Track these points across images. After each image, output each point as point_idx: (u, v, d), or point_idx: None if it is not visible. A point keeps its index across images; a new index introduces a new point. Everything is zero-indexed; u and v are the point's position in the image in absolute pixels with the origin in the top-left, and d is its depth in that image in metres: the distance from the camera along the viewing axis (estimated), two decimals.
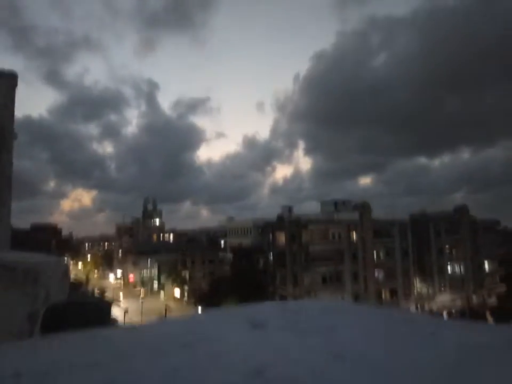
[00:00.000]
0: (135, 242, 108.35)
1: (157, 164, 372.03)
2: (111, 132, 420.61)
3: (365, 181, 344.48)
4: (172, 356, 1.11)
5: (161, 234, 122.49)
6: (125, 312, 54.66)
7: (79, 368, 1.06)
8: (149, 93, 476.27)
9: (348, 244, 58.12)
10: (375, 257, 60.20)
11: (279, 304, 2.18)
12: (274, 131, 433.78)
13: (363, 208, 61.66)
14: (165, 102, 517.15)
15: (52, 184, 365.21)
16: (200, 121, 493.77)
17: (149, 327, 1.52)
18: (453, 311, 60.75)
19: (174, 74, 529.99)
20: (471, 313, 56.17)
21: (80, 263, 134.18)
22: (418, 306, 61.05)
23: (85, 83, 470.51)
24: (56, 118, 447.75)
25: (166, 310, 55.83)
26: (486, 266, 68.59)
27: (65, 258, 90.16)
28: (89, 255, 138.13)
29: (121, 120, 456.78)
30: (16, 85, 3.80)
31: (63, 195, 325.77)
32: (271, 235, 61.39)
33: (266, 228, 64.53)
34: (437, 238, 65.34)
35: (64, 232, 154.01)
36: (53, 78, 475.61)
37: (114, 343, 1.23)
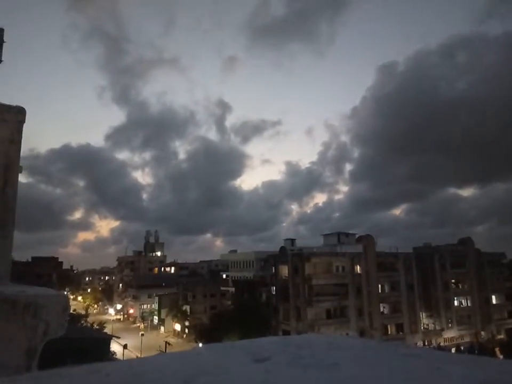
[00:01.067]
0: (136, 276, 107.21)
1: (196, 192, 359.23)
2: (159, 159, 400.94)
3: (397, 211, 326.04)
4: None
5: (163, 267, 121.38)
6: (124, 347, 53.34)
7: None
8: (220, 115, 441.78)
9: (351, 277, 57.24)
10: (379, 291, 59.12)
11: (282, 339, 2.14)
12: (321, 157, 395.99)
13: (367, 240, 61.17)
14: (231, 123, 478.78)
15: (78, 214, 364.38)
16: (259, 145, 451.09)
17: (149, 362, 1.49)
18: (461, 346, 58.97)
19: (247, 96, 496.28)
20: (480, 349, 54.49)
21: (80, 296, 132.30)
22: (426, 341, 59.34)
23: (151, 103, 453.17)
24: (112, 141, 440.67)
25: (166, 346, 54.44)
26: (493, 300, 67.16)
27: (66, 291, 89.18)
28: (89, 289, 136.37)
29: (172, 147, 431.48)
30: (23, 120, 3.90)
31: (86, 226, 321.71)
32: (273, 268, 60.68)
33: (268, 261, 63.90)
34: (442, 271, 64.39)
35: (73, 264, 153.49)
36: (122, 97, 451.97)
37: (113, 377, 1.21)
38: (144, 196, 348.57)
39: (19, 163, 3.73)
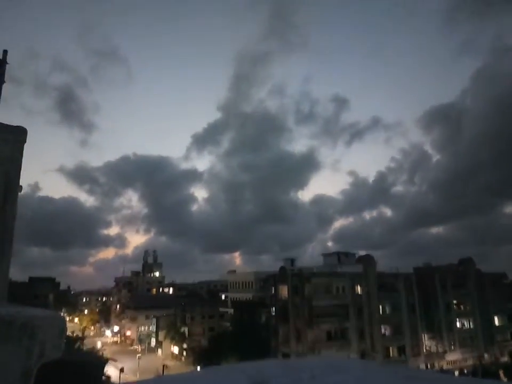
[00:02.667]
0: (134, 297, 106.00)
1: (252, 205, 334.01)
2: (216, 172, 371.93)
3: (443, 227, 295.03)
4: None
5: (161, 288, 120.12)
6: (120, 371, 52.28)
7: None
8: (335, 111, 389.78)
9: (352, 298, 56.61)
10: (381, 312, 58.36)
11: (281, 362, 2.11)
12: (395, 165, 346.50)
13: (367, 260, 60.78)
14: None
15: (116, 229, 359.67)
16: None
17: None
18: (465, 369, 57.87)
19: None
20: (483, 372, 53.45)
21: (76, 318, 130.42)
22: (428, 364, 58.23)
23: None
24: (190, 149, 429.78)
25: (163, 369, 53.37)
26: (496, 321, 66.31)
27: (62, 312, 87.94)
28: (86, 310, 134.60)
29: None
30: (25, 140, 3.94)
31: (120, 242, 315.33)
32: (273, 288, 60.08)
33: (268, 281, 63.33)
34: (443, 291, 63.78)
35: (70, 285, 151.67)
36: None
37: None
38: (197, 208, 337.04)
39: (19, 182, 3.75)
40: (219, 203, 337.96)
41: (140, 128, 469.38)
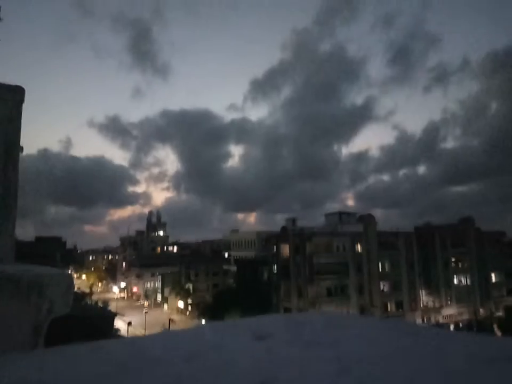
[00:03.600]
0: (139, 255, 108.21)
1: (290, 161, 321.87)
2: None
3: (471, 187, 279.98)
4: (175, 368, 1.11)
5: (165, 247, 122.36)
6: (128, 325, 54.34)
7: (83, 381, 1.06)
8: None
9: (352, 256, 57.70)
10: (380, 269, 59.64)
11: (283, 317, 2.16)
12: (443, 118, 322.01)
13: (368, 220, 61.36)
14: None
15: (141, 188, 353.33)
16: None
17: (152, 339, 1.51)
18: (460, 323, 59.90)
19: None
20: (478, 326, 55.34)
21: (84, 275, 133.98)
22: (425, 318, 60.25)
23: None
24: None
25: (169, 323, 55.44)
26: (493, 278, 67.78)
27: (69, 270, 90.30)
28: (93, 268, 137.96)
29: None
30: (23, 100, 3.86)
31: (146, 199, 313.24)
32: (275, 247, 61.12)
33: (270, 240, 64.32)
34: (442, 250, 64.77)
35: (76, 244, 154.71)
36: None
37: (118, 355, 1.23)
38: (233, 165, 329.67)
39: (19, 143, 3.71)
40: (257, 160, 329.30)
41: (196, 77, 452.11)
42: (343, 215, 66.32)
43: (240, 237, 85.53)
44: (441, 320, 60.84)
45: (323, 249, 56.55)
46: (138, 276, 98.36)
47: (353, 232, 58.70)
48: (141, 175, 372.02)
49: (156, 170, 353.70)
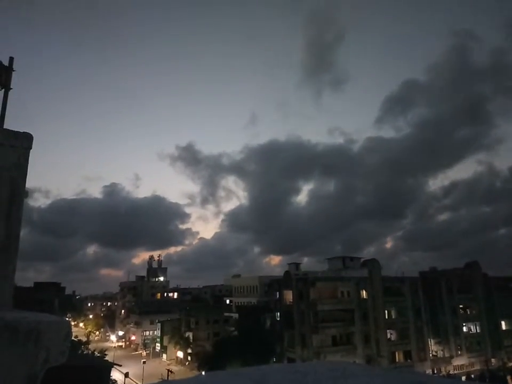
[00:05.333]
0: (139, 301, 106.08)
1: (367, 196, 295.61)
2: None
3: None
4: None
5: (165, 293, 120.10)
6: (125, 376, 52.21)
7: None
8: None
9: (357, 302, 56.28)
10: (386, 316, 57.95)
11: (287, 366, 2.11)
12: None
13: (372, 265, 60.45)
14: None
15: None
16: None
17: None
18: (472, 374, 57.26)
19: None
20: (490, 377, 52.88)
21: (82, 323, 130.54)
22: (435, 369, 57.69)
23: None
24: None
25: (168, 374, 53.23)
26: (503, 326, 65.64)
27: (68, 317, 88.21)
28: (91, 315, 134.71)
29: None
30: (30, 146, 3.97)
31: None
32: (278, 293, 59.84)
33: (273, 286, 63.13)
34: (449, 296, 63.26)
35: (75, 290, 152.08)
36: None
37: None
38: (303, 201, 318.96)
39: (25, 188, 3.77)
40: (327, 195, 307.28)
41: None
42: (346, 260, 65.42)
43: (241, 282, 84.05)
44: (452, 370, 58.29)
45: (327, 295, 55.34)
46: (137, 324, 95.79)
47: (358, 277, 57.66)
48: (196, 211, 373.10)
49: (212, 206, 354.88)
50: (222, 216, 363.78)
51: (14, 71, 5.12)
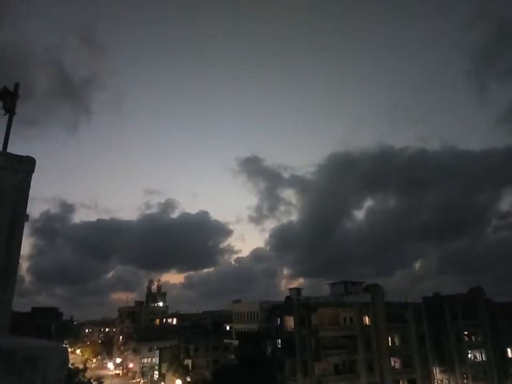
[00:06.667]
0: (137, 327, 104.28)
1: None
2: None
3: None
4: None
5: (164, 319, 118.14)
6: None
7: None
8: None
9: (360, 328, 55.19)
10: (390, 343, 56.72)
11: None
12: None
13: (375, 290, 59.63)
14: None
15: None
16: None
17: None
18: None
19: None
20: None
21: (78, 349, 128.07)
22: None
23: None
24: None
25: None
26: (509, 353, 64.13)
27: (65, 344, 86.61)
28: (88, 341, 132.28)
29: None
30: (33, 170, 4.01)
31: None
32: (279, 319, 58.85)
33: (274, 311, 62.13)
34: (453, 322, 62.14)
35: (73, 315, 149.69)
36: None
37: None
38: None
39: (25, 212, 3.79)
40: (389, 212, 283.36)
41: None
42: (348, 284, 64.67)
43: (242, 308, 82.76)
44: None
45: (329, 321, 54.36)
46: (135, 351, 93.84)
47: (360, 303, 56.80)
48: (245, 228, 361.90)
49: (265, 222, 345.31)
50: (268, 234, 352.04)
51: (19, 96, 5.22)
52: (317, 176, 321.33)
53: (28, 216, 3.92)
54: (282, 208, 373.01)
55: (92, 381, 60.71)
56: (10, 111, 4.82)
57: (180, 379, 71.86)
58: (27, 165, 3.93)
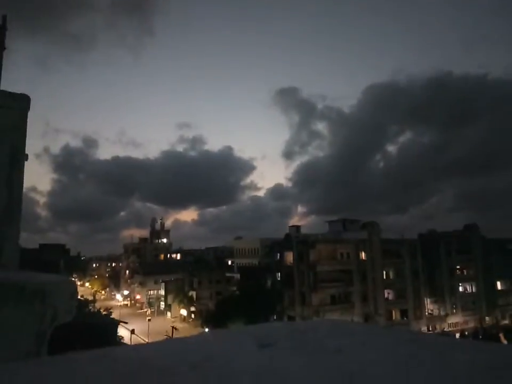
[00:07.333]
0: (143, 262, 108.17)
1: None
2: None
3: None
4: (179, 376, 1.11)
5: (168, 254, 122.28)
6: (131, 332, 54.11)
7: None
8: None
9: (356, 263, 57.40)
10: (384, 277, 59.27)
11: (287, 324, 2.16)
12: None
13: (372, 227, 61.09)
14: None
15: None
16: None
17: (156, 347, 1.51)
18: (466, 332, 59.31)
19: None
20: (484, 334, 54.77)
21: (87, 282, 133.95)
22: (430, 327, 59.70)
23: None
24: None
25: (173, 331, 55.19)
26: (499, 286, 67.17)
27: (73, 278, 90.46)
28: (96, 275, 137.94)
29: None
30: (28, 108, 3.90)
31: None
32: (278, 254, 60.89)
33: (273, 247, 64.12)
34: (447, 257, 64.35)
35: (80, 251, 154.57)
36: None
37: (121, 362, 1.23)
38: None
39: (25, 150, 3.75)
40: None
41: None
42: (346, 222, 66.05)
43: (243, 244, 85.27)
44: (446, 328, 60.31)
45: (327, 256, 56.32)
46: (142, 283, 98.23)
47: (357, 239, 58.44)
48: (271, 163, 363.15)
49: (295, 157, 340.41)
50: (293, 170, 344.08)
51: (6, 30, 4.93)
52: (355, 108, 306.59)
53: (27, 155, 3.88)
54: (313, 143, 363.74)
55: (101, 310, 64.24)
56: (0, 46, 4.58)
57: (185, 309, 76.10)
58: (22, 102, 3.82)
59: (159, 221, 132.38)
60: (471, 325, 61.98)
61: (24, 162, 3.68)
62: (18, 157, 3.59)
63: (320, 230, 72.72)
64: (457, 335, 56.18)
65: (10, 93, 3.77)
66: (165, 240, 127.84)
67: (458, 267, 66.11)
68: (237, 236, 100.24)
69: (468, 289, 66.28)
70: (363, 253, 58.64)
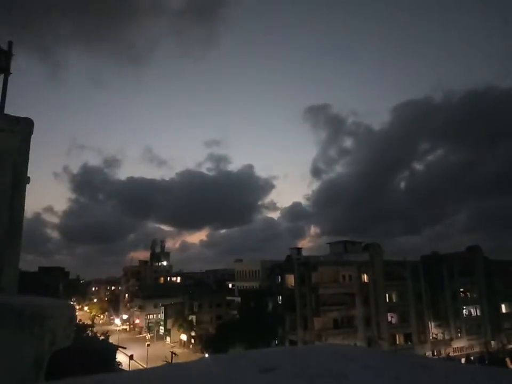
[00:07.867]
0: (142, 286, 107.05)
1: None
2: None
3: None
4: None
5: (168, 277, 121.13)
6: (130, 358, 53.07)
7: None
8: None
9: (359, 286, 56.73)
10: (387, 300, 58.48)
11: (288, 349, 2.13)
12: None
13: (373, 249, 60.69)
14: None
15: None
16: None
17: (155, 373, 1.49)
18: (471, 357, 58.05)
19: None
20: (490, 359, 53.58)
21: (86, 306, 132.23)
22: (435, 351, 58.46)
23: None
24: None
25: (172, 356, 54.10)
26: (503, 309, 66.15)
27: (72, 302, 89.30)
28: (95, 299, 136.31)
29: None
30: (31, 132, 3.96)
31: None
32: (279, 277, 60.30)
33: (275, 270, 63.56)
34: (450, 279, 63.64)
35: (79, 274, 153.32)
36: None
37: None
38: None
39: (27, 174, 3.77)
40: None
41: None
42: (347, 244, 65.65)
43: (243, 267, 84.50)
44: (451, 353, 59.06)
45: (329, 279, 55.74)
46: (141, 307, 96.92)
47: (360, 261, 57.97)
48: (291, 182, 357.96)
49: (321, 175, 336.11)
50: (314, 188, 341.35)
51: (13, 55, 5.06)
52: (386, 125, 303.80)
53: (29, 178, 3.91)
54: (341, 160, 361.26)
55: (98, 335, 63.16)
56: (5, 71, 4.69)
57: (185, 333, 74.78)
58: (26, 126, 3.87)
59: (159, 243, 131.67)
60: (477, 349, 60.74)
61: (26, 186, 3.70)
62: (20, 181, 3.61)
63: (321, 252, 72.28)
64: (463, 360, 55.00)
65: (14, 117, 3.83)
66: (165, 263, 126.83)
67: (461, 289, 65.30)
68: (237, 258, 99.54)
69: (473, 313, 65.25)
70: (365, 275, 58.05)
